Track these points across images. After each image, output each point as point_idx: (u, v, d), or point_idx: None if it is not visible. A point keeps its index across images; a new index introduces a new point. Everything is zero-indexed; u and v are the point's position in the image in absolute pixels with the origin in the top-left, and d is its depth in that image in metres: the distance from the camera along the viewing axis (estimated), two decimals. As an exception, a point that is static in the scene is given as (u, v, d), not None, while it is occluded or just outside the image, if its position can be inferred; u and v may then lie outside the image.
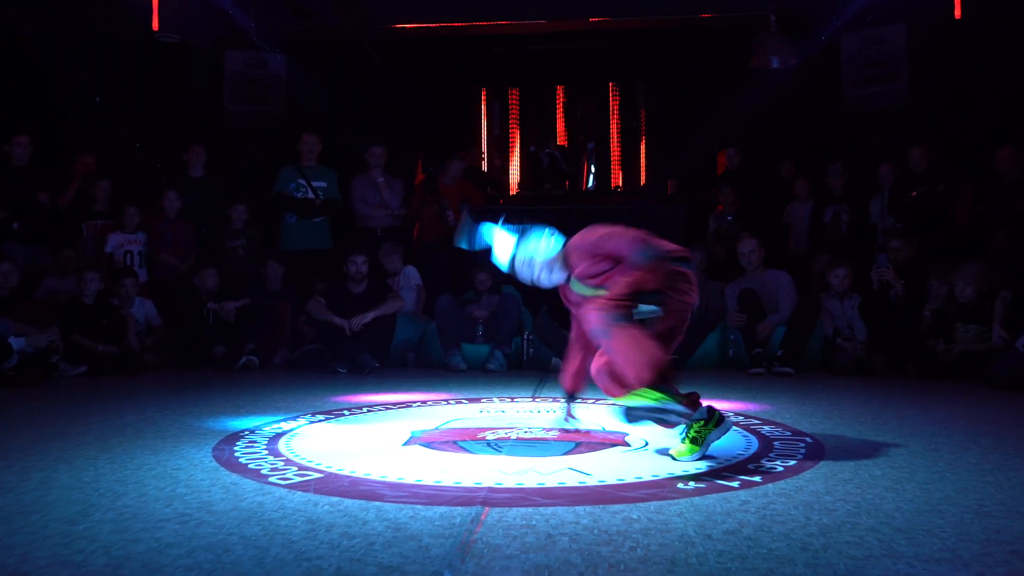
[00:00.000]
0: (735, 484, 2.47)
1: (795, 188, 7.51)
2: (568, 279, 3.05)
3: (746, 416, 3.83)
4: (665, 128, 9.81)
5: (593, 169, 9.42)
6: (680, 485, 2.46)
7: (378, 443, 3.20)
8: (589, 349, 3.12)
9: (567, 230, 3.50)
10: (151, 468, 2.73)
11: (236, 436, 3.34)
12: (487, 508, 2.20)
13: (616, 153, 10.02)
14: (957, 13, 7.22)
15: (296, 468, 2.73)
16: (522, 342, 6.38)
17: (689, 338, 6.23)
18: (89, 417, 3.86)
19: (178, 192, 7.11)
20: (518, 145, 9.98)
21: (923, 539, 1.93)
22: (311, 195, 7.09)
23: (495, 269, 7.17)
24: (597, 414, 3.90)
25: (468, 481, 2.52)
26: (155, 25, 7.74)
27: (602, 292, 2.89)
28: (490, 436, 3.32)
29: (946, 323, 5.49)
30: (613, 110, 10.10)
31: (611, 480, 2.53)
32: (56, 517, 2.15)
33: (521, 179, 8.70)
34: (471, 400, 4.46)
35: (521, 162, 9.43)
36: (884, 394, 4.69)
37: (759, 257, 6.33)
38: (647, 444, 3.13)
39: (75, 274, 6.39)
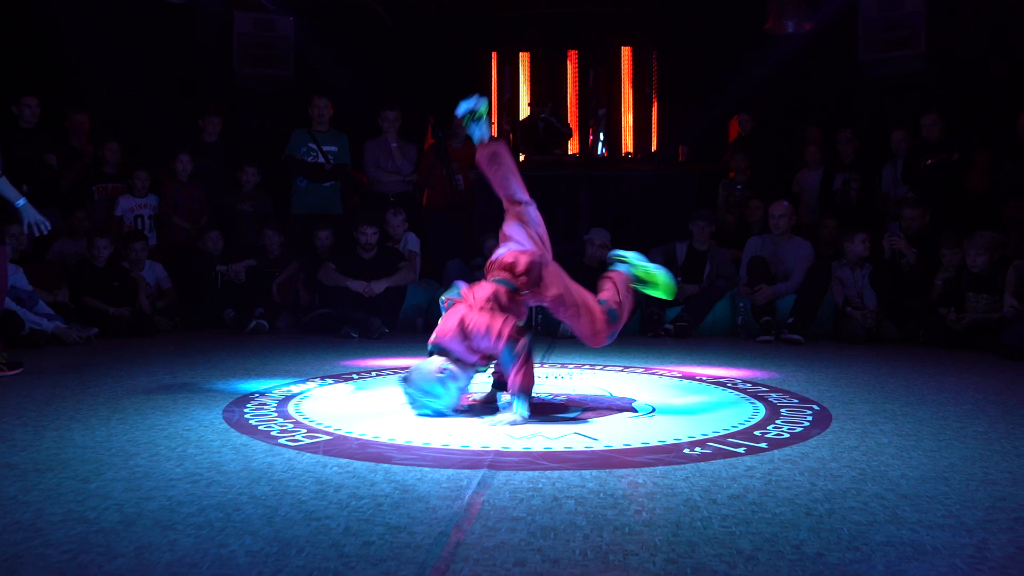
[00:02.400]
0: (741, 450, 2.48)
1: (806, 155, 7.43)
2: None
3: (754, 384, 3.84)
4: (677, 94, 9.70)
5: (602, 136, 9.36)
6: (686, 451, 2.47)
7: (387, 407, 3.22)
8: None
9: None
10: (162, 429, 2.77)
11: (246, 398, 3.37)
12: (495, 471, 2.22)
13: (628, 119, 9.92)
14: (978, -24, 7.08)
15: (305, 430, 2.76)
16: (531, 309, 6.36)
17: (699, 305, 6.28)
18: (101, 378, 3.90)
19: (190, 155, 7.10)
20: (529, 110, 9.89)
21: (928, 505, 1.93)
22: (321, 159, 7.07)
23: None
24: (604, 380, 3.92)
25: (475, 445, 2.54)
26: (163, -14, 7.68)
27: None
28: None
29: (957, 292, 5.46)
30: (625, 75, 9.99)
31: (617, 445, 2.54)
32: (70, 475, 2.18)
33: (518, 146, 8.63)
34: (479, 365, 4.48)
35: (517, 129, 9.35)
36: (893, 363, 4.68)
37: (788, 223, 6.28)
38: (654, 410, 3.14)
39: (86, 237, 6.41)
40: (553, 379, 4.01)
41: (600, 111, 9.50)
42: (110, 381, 3.81)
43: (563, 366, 4.44)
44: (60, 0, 7.67)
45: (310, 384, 3.78)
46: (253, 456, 2.40)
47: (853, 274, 5.99)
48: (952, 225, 6.01)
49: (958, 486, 2.10)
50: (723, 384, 3.85)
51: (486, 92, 9.95)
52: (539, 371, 4.25)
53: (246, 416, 3.00)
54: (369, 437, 2.65)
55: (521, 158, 8.42)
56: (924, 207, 6.10)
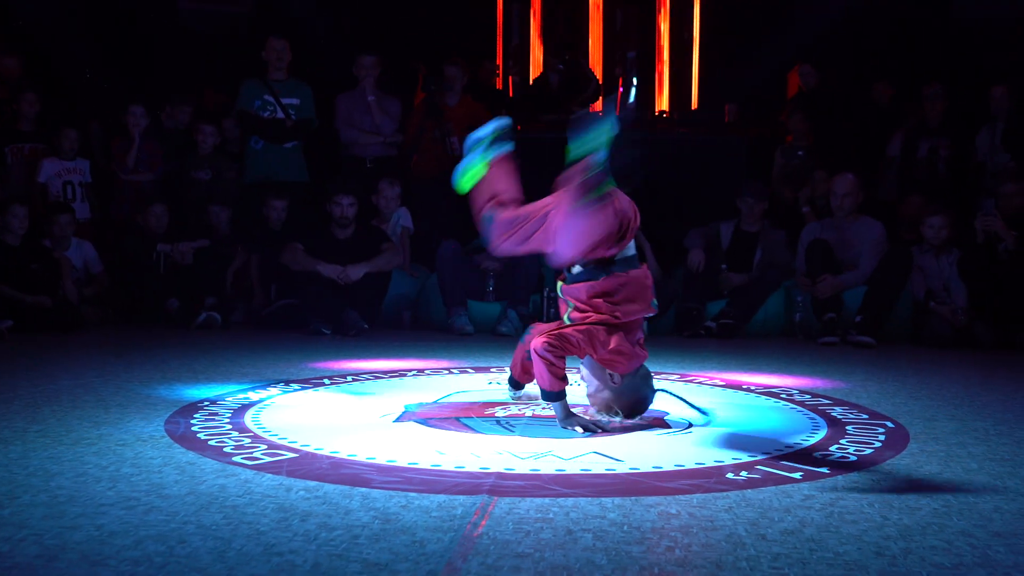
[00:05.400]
0: (797, 475, 2.48)
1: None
2: None
3: (813, 395, 3.84)
4: (724, 39, 9.67)
5: (635, 82, 9.28)
6: (730, 475, 2.48)
7: (365, 418, 3.23)
8: None
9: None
10: (91, 443, 2.78)
11: (194, 407, 3.38)
12: (495, 497, 2.23)
13: (663, 70, 9.90)
14: None
15: (266, 446, 2.77)
16: (541, 300, 6.39)
17: (748, 299, 6.27)
18: (16, 382, 3.91)
19: (145, 108, 7.12)
20: (541, 58, 9.86)
21: (1026, 546, 1.94)
22: (280, 114, 7.05)
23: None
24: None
25: (473, 465, 2.55)
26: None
27: None
28: (500, 412, 3.34)
29: (1067, 286, 5.45)
30: (662, 15, 9.96)
31: (645, 467, 2.55)
32: (-22, 499, 2.19)
33: (528, 104, 8.61)
34: (478, 369, 4.49)
35: (526, 88, 9.30)
36: (986, 371, 4.67)
37: (854, 201, 6.25)
38: (690, 426, 3.14)
39: (-1, 209, 6.42)
40: (569, 386, 4.01)
41: (629, 54, 9.44)
42: (27, 385, 3.82)
43: (578, 371, 4.44)
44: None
45: (272, 390, 3.79)
46: (202, 477, 2.41)
47: (938, 262, 5.98)
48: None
49: (1064, 522, 2.10)
50: (776, 395, 3.84)
51: (490, 34, 9.93)
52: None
53: (193, 428, 3.00)
54: (343, 455, 2.66)
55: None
56: (1027, 180, 6.07)
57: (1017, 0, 7.61)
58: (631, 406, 3.16)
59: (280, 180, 7.01)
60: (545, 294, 6.38)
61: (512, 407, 3.44)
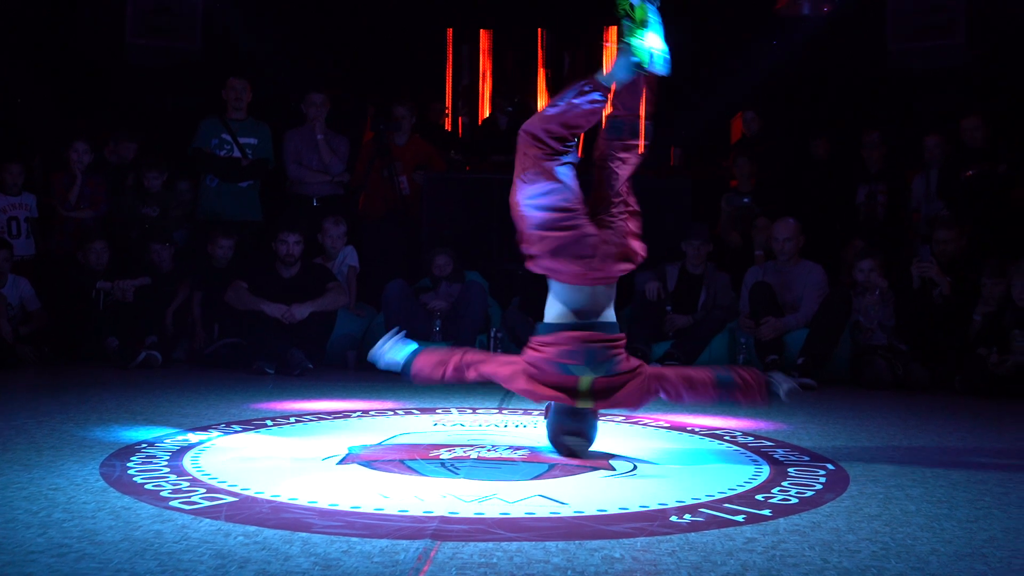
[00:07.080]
0: (739, 518, 2.50)
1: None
2: None
3: (756, 436, 3.88)
4: (669, 84, 9.81)
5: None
6: (673, 518, 2.49)
7: (308, 461, 3.20)
8: None
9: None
10: (22, 487, 2.71)
11: (131, 449, 3.32)
12: (438, 542, 2.21)
13: (608, 113, 10.04)
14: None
15: (205, 490, 2.73)
16: (488, 340, 6.39)
17: (693, 341, 6.33)
18: (-54, 422, 3.81)
19: (88, 144, 7.03)
20: (489, 99, 9.94)
21: (961, 588, 1.97)
22: (237, 153, 7.02)
23: (457, 251, 7.11)
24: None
25: (416, 509, 2.53)
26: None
27: None
28: (445, 455, 3.32)
29: (1000, 330, 5.58)
30: (607, 60, 10.10)
31: (590, 511, 2.55)
32: (-100, 545, 2.12)
33: (477, 145, 8.69)
34: (423, 410, 4.47)
35: (474, 130, 9.41)
36: (923, 413, 4.75)
37: (796, 246, 6.37)
38: (635, 468, 3.16)
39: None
40: (514, 428, 4.01)
41: None
42: (-43, 426, 3.72)
43: (526, 412, 4.45)
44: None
45: (212, 432, 3.74)
46: (137, 522, 2.36)
47: (875, 305, 6.09)
48: (995, 250, 6.14)
49: (998, 565, 2.14)
50: (719, 437, 3.88)
51: (439, 75, 10.01)
52: (496, 418, 4.26)
53: (130, 472, 2.95)
54: (284, 499, 2.63)
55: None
56: (961, 227, 6.22)
57: (949, 51, 7.85)
58: (569, 448, 3.29)
59: (233, 218, 6.97)
60: (492, 334, 6.39)
61: (457, 449, 3.43)
